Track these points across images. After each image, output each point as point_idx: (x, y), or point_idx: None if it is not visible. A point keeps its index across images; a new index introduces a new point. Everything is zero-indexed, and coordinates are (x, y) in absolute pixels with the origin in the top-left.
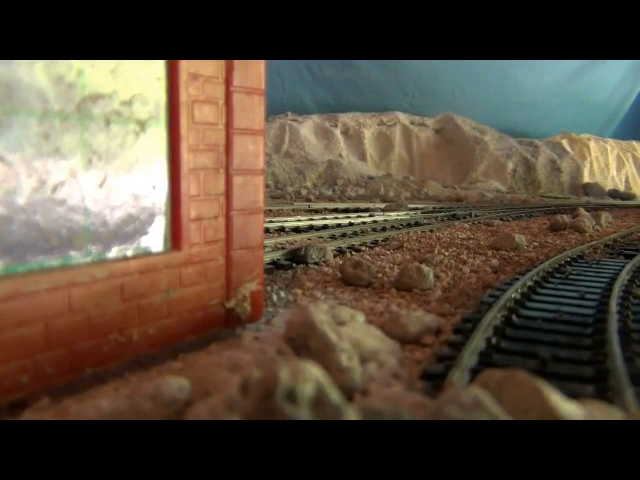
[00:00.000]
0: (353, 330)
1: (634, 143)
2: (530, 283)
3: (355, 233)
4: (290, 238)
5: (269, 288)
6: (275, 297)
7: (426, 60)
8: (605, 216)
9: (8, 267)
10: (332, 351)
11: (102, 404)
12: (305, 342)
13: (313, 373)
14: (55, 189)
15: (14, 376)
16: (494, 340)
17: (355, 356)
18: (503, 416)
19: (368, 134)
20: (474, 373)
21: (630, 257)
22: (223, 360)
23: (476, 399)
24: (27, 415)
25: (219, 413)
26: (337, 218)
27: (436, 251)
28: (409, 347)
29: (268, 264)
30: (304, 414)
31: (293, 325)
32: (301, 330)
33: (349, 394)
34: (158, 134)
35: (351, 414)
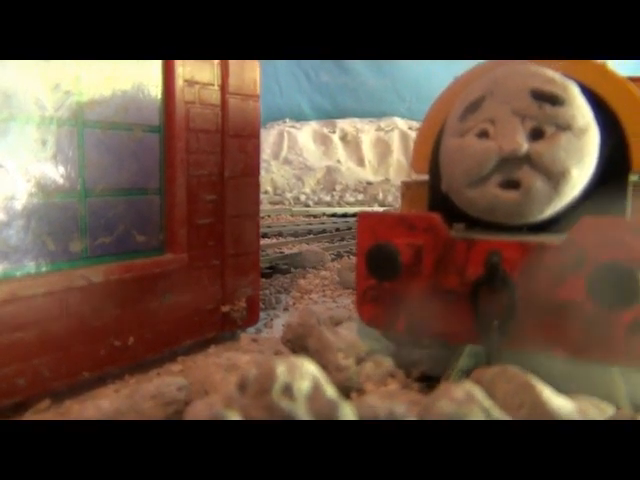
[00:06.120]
0: (350, 331)
1: None
2: None
3: (353, 237)
4: (289, 243)
5: (267, 292)
6: (273, 300)
7: (423, 65)
8: None
9: (6, 271)
10: (329, 350)
11: (103, 404)
12: (303, 343)
13: (309, 369)
14: (52, 194)
15: (11, 379)
16: None
17: (352, 356)
18: (495, 410)
19: (366, 140)
20: (470, 375)
21: None
22: (221, 361)
23: (468, 394)
24: (28, 416)
25: (217, 409)
26: (335, 223)
27: None
28: (406, 348)
29: (267, 268)
30: (301, 409)
31: (291, 327)
32: (299, 331)
33: (346, 392)
34: (155, 139)
35: (347, 409)
